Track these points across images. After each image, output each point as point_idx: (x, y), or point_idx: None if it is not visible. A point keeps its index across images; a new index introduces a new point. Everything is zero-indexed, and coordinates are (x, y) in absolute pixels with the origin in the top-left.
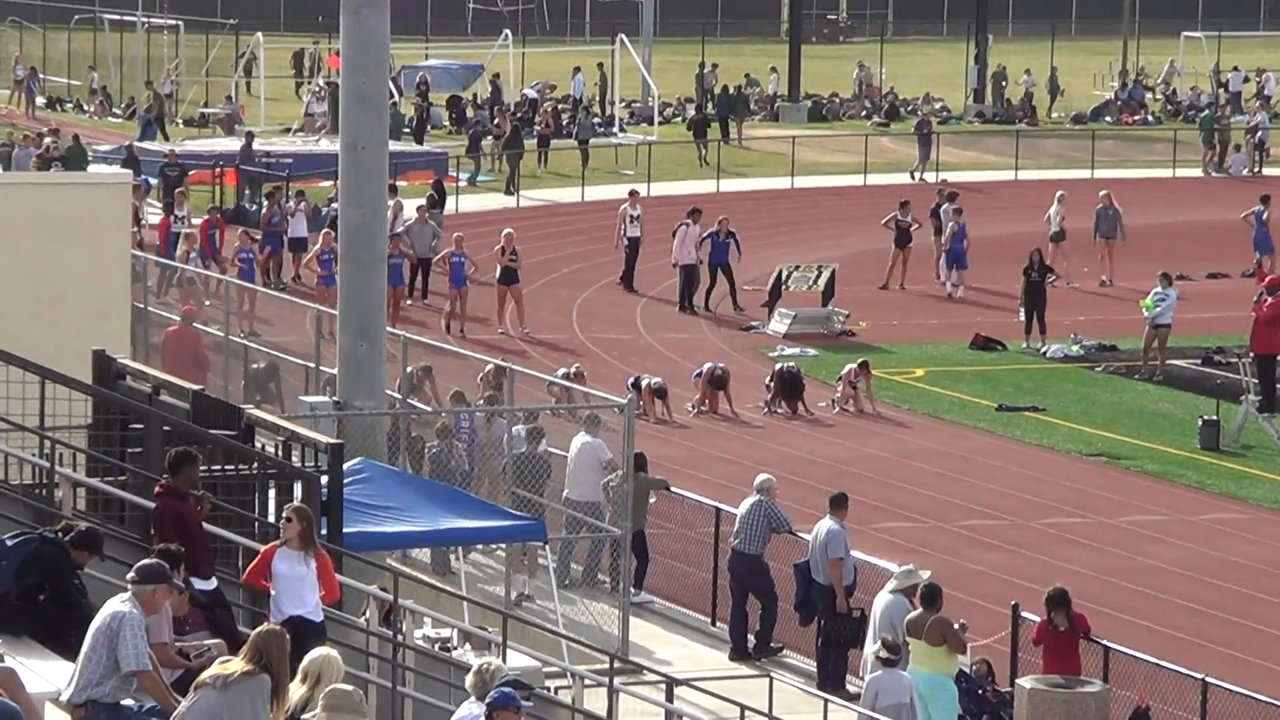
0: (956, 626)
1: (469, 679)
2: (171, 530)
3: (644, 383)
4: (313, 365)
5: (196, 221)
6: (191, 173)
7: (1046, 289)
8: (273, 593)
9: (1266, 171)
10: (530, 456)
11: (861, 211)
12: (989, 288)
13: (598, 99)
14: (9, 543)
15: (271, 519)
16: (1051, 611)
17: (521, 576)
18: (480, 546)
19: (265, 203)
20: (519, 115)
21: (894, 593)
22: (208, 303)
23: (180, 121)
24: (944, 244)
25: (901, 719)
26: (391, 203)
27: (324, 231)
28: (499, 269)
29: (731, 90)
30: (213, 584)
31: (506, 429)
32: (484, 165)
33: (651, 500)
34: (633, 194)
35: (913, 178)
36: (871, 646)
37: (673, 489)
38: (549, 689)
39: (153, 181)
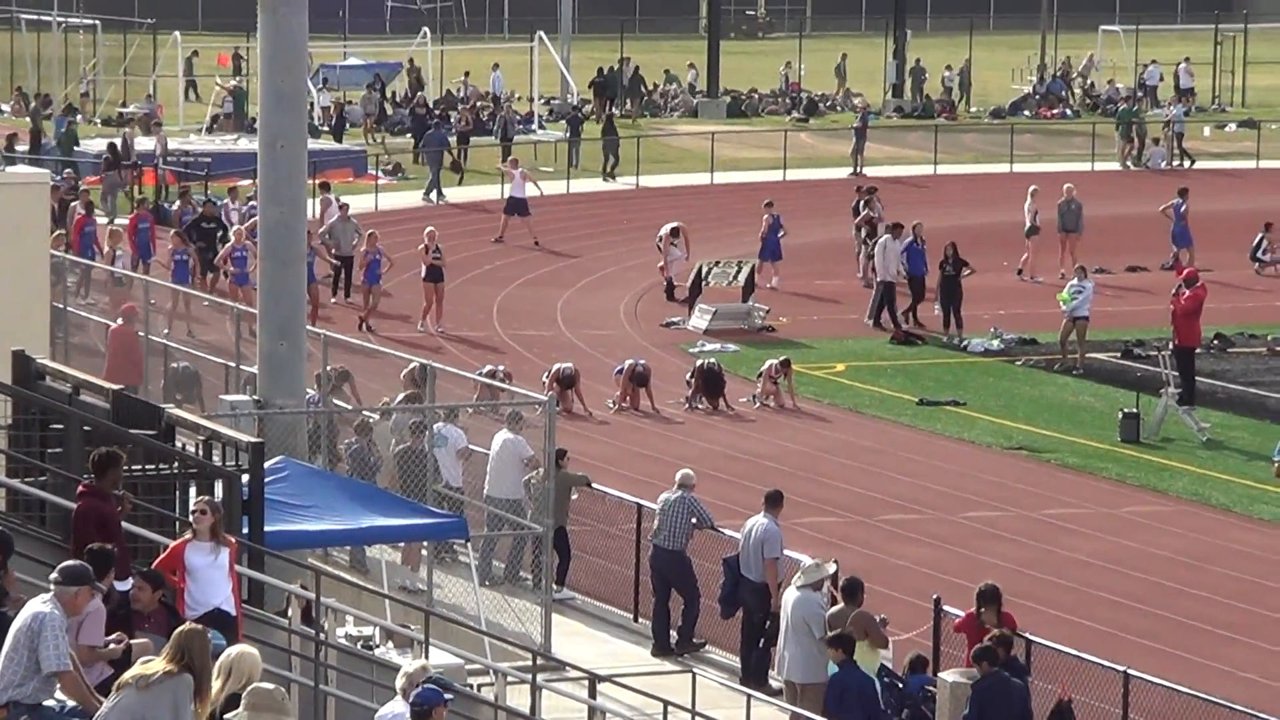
0: (878, 620)
1: (399, 680)
2: (93, 531)
3: (552, 370)
4: (233, 364)
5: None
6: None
7: (961, 283)
8: (188, 587)
9: (1187, 165)
10: (413, 451)
11: (781, 207)
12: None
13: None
14: None
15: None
16: (982, 607)
17: (406, 566)
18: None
19: (178, 202)
20: (438, 112)
21: (801, 588)
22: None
23: (98, 121)
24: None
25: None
26: (319, 200)
27: (234, 229)
28: (424, 267)
29: (606, 72)
30: (128, 584)
31: (428, 426)
32: (404, 164)
33: (573, 497)
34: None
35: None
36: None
37: (594, 485)
38: (472, 686)
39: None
